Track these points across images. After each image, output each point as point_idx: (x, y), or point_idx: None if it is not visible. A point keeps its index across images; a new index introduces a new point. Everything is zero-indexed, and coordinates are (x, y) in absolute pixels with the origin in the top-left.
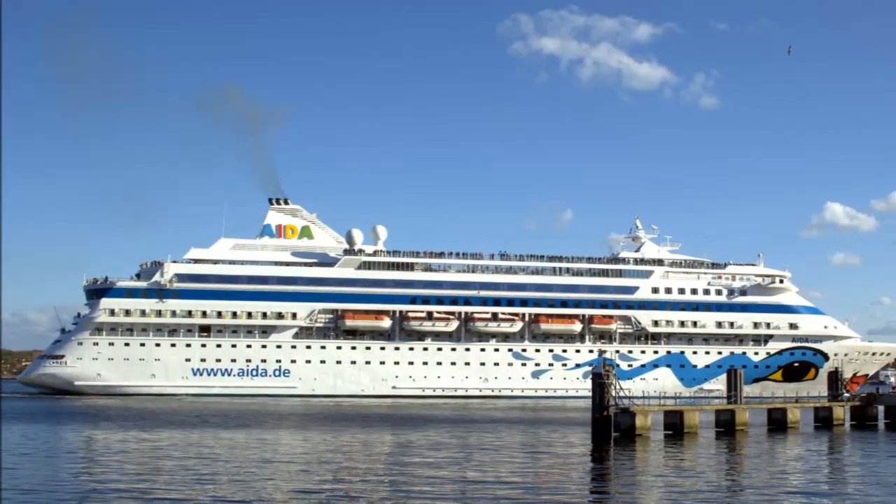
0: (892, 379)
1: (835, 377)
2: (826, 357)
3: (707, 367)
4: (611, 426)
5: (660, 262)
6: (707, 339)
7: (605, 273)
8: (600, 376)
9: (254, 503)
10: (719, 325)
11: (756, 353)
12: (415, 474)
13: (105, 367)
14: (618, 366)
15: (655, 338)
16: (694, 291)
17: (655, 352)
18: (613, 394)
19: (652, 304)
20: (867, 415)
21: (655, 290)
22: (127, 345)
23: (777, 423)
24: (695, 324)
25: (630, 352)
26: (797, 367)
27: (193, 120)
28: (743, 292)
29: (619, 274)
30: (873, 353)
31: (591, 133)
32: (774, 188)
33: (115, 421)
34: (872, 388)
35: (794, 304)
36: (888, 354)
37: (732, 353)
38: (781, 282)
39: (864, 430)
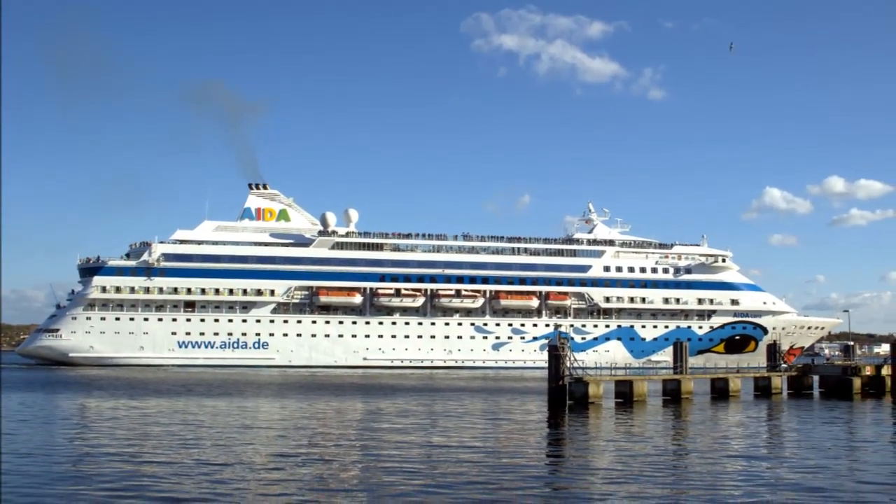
0: (827, 351)
1: (773, 349)
2: (765, 331)
3: (655, 339)
4: (566, 395)
5: (611, 243)
6: (655, 314)
7: (560, 253)
8: (556, 348)
9: (235, 466)
10: (666, 301)
11: (700, 327)
12: (384, 439)
13: (97, 340)
14: (572, 339)
15: (607, 313)
16: (643, 270)
17: (607, 326)
18: (568, 365)
19: (604, 282)
20: (803, 384)
21: (607, 269)
22: (117, 319)
23: (720, 391)
24: (643, 300)
25: (583, 326)
26: (738, 339)
27: (179, 111)
28: (688, 271)
29: (574, 254)
30: (809, 327)
31: (548, 123)
32: (717, 174)
33: (106, 390)
34: (808, 360)
35: (735, 281)
36: (822, 328)
37: (678, 327)
38: (724, 261)
39: (800, 398)
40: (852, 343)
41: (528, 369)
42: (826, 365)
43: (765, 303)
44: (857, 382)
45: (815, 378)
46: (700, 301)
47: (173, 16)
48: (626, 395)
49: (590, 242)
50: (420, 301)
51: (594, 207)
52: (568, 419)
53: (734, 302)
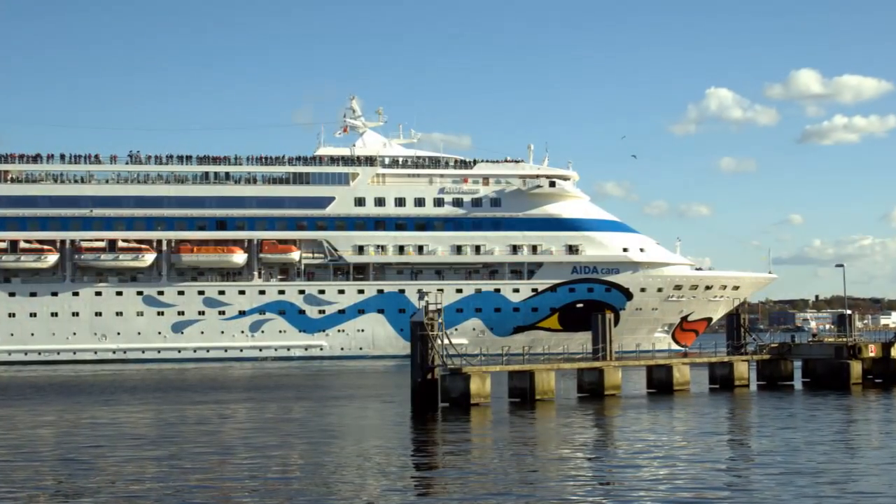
0: (813, 323)
1: (736, 322)
2: (628, 294)
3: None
4: (437, 393)
5: (370, 162)
6: (439, 271)
7: (284, 180)
8: (422, 326)
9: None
10: (458, 250)
11: (516, 291)
12: None
13: None
14: (302, 313)
15: (360, 271)
16: (420, 202)
17: (361, 291)
18: (439, 350)
19: (354, 223)
20: (780, 372)
21: (360, 202)
22: None
23: (660, 384)
24: (420, 249)
25: (321, 292)
26: (582, 309)
27: None
28: (496, 202)
29: (305, 180)
30: (712, 287)
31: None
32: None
33: None
34: (776, 337)
35: (576, 216)
36: (738, 287)
37: (479, 291)
38: (553, 185)
39: (775, 390)
40: (849, 312)
41: (233, 360)
42: (812, 344)
43: (627, 249)
44: (856, 368)
45: (797, 363)
46: (515, 249)
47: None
48: (524, 393)
49: (334, 161)
50: (51, 259)
51: (360, 107)
52: (441, 428)
53: (573, 249)
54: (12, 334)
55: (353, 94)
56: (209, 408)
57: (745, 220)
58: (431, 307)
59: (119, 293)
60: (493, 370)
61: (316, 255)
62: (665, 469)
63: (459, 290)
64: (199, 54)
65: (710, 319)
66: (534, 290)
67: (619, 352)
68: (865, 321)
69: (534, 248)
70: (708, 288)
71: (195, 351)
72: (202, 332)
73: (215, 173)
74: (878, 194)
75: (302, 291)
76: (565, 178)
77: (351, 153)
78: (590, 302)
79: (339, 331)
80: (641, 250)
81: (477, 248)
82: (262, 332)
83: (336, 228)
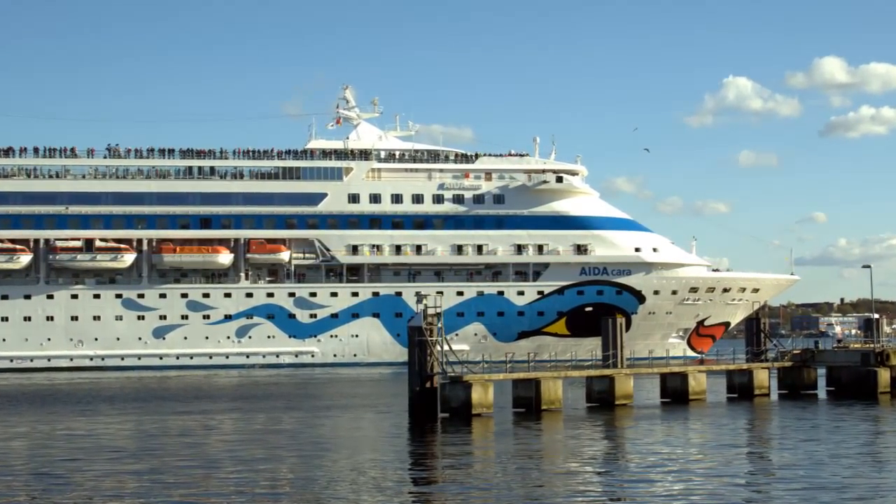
0: (838, 328)
1: (756, 327)
2: (640, 297)
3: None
4: (436, 402)
5: (365, 155)
6: (439, 272)
7: (270, 175)
8: (420, 331)
9: None
10: (459, 250)
11: (521, 293)
12: None
13: None
14: (292, 317)
15: (354, 272)
16: (418, 199)
17: (355, 294)
18: (439, 357)
19: (348, 221)
20: (802, 380)
21: (354, 199)
22: None
23: (674, 393)
24: (419, 249)
25: (313, 294)
26: (591, 312)
27: None
28: (499, 198)
29: (296, 175)
30: (729, 290)
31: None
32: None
33: None
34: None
35: (585, 214)
36: (757, 290)
37: (481, 294)
38: (560, 180)
39: (798, 400)
40: (877, 316)
41: (219, 368)
42: (837, 350)
43: (639, 249)
44: (883, 375)
45: (821, 371)
46: (519, 249)
47: None
48: (529, 402)
49: (327, 155)
50: (24, 260)
51: (354, 97)
52: (441, 440)
53: (581, 249)
54: None
55: (347, 83)
56: (193, 418)
57: (765, 218)
58: (430, 311)
59: (97, 296)
60: (496, 378)
61: (307, 255)
62: (680, 484)
63: (460, 293)
64: (183, 42)
65: (727, 324)
66: (539, 292)
67: (630, 359)
68: (894, 326)
69: (539, 248)
70: (726, 290)
71: (178, 357)
72: (185, 338)
73: (199, 168)
74: None
75: (292, 294)
76: (573, 173)
77: (344, 146)
78: (599, 305)
79: (331, 336)
80: (655, 250)
81: (479, 248)
82: (250, 337)
83: (328, 227)
